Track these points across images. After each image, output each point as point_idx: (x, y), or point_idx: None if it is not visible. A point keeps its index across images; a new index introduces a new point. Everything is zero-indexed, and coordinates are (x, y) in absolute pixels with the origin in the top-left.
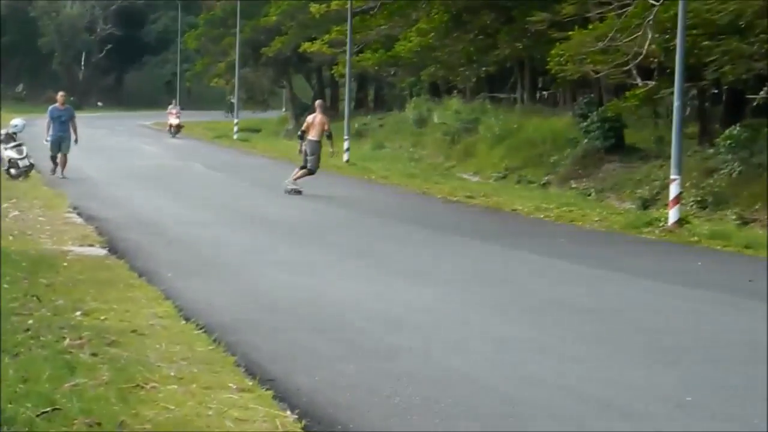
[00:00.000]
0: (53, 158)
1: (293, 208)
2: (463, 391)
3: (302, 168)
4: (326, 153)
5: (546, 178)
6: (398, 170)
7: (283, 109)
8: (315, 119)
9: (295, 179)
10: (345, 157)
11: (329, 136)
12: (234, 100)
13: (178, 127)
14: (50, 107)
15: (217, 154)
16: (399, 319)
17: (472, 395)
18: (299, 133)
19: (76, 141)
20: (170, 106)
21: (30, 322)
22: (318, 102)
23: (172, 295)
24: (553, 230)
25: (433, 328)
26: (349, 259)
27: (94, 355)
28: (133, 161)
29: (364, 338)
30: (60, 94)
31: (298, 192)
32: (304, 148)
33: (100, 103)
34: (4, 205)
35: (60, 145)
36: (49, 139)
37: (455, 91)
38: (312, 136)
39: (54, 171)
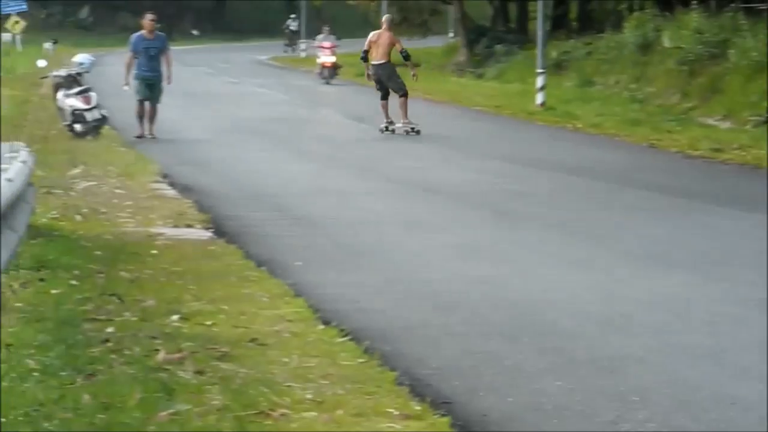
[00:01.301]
0: (140, 112)
1: (465, 170)
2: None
3: (384, 98)
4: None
5: None
6: (614, 115)
7: (450, 34)
8: (379, 38)
9: (405, 117)
10: (538, 98)
11: (406, 57)
12: (293, 27)
13: (335, 68)
14: (134, 37)
15: (355, 97)
16: (624, 319)
17: None
18: (362, 55)
19: (168, 81)
20: (320, 36)
21: (109, 330)
22: (385, 17)
23: (304, 292)
24: None
25: (675, 332)
26: (550, 238)
27: (199, 373)
28: (244, 111)
29: (574, 345)
30: (148, 18)
31: (417, 131)
32: (371, 73)
33: (195, 32)
34: (71, 172)
35: (149, 90)
36: (131, 82)
37: (694, 2)
38: (377, 58)
39: (142, 130)
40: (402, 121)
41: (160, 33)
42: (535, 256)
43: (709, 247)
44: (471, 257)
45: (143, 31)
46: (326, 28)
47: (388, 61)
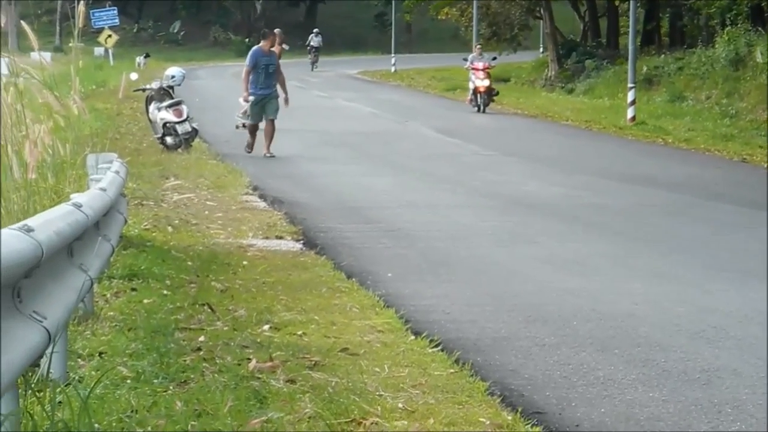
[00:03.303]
0: (253, 127)
1: (554, 184)
2: None
3: None
4: None
5: None
6: (705, 130)
7: (541, 50)
8: None
9: None
10: (629, 113)
11: None
12: (315, 43)
13: (490, 93)
14: (253, 50)
15: (447, 113)
16: (715, 332)
17: None
18: None
19: (286, 101)
20: (472, 56)
21: (201, 339)
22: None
23: (395, 303)
24: None
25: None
26: (639, 250)
27: (291, 381)
28: (335, 124)
29: (666, 357)
30: (275, 33)
31: None
32: None
33: (285, 46)
34: (163, 185)
35: (265, 107)
36: (250, 98)
37: None
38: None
39: (251, 146)
40: None
41: (272, 50)
42: (624, 270)
43: None
44: (561, 269)
45: (262, 45)
46: (478, 45)
47: None
